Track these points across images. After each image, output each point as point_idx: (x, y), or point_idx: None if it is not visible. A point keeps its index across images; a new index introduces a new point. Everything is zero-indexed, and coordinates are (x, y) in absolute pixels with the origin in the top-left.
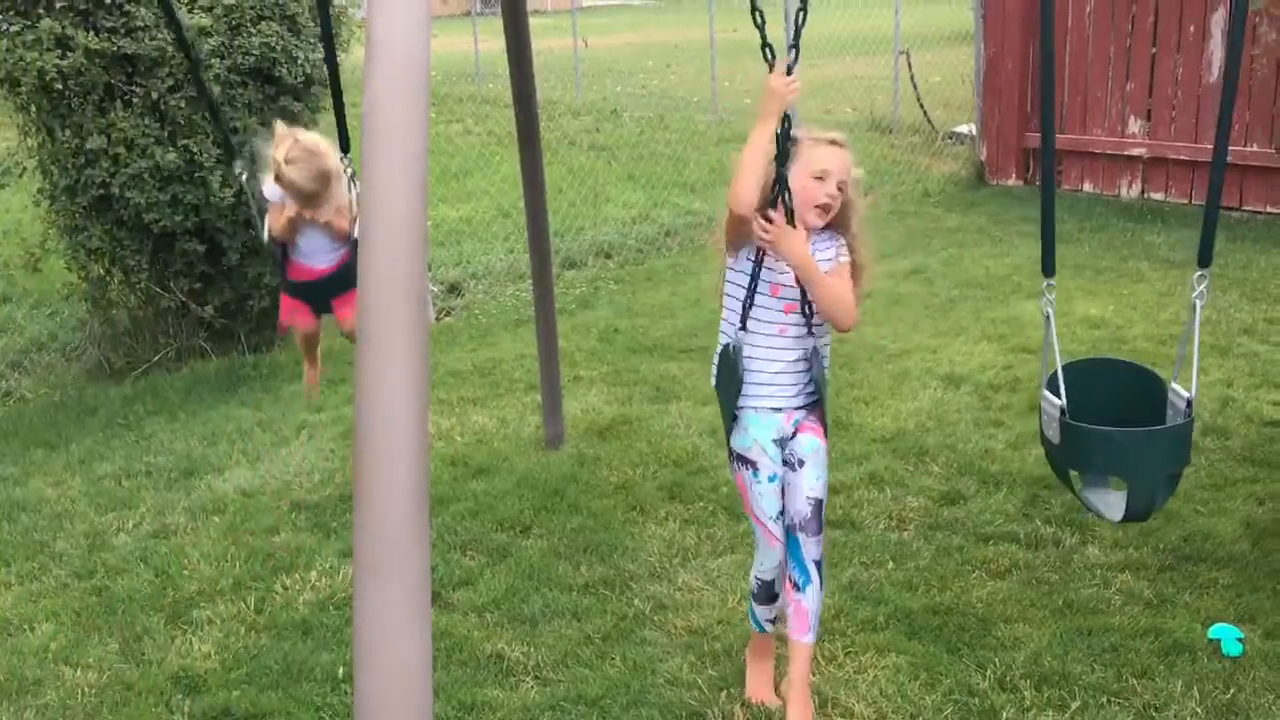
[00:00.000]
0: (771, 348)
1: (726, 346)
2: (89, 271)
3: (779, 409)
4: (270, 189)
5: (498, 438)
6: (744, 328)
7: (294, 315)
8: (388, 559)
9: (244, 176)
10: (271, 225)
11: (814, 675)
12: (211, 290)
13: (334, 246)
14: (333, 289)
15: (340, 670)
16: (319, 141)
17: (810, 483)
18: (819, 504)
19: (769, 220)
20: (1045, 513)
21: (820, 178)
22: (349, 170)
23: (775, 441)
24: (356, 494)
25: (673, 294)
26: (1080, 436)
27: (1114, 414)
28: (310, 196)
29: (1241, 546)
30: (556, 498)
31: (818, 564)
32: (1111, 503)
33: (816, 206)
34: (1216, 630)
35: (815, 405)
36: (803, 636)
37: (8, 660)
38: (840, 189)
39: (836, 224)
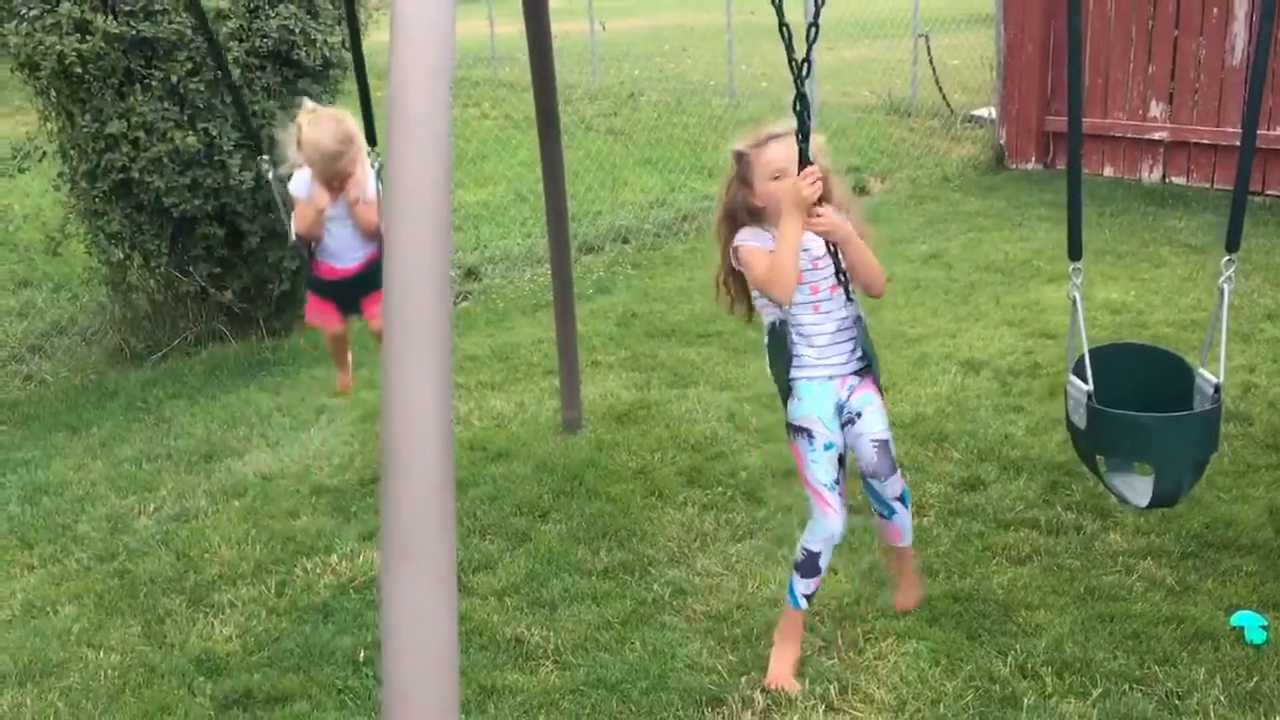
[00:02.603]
0: (814, 321)
1: (773, 324)
2: (109, 256)
3: (832, 377)
4: (296, 183)
5: (516, 422)
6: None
7: (321, 316)
8: (414, 546)
9: (269, 172)
10: (298, 222)
11: (834, 660)
12: (231, 274)
13: (361, 245)
14: (360, 288)
15: (361, 654)
16: (341, 112)
17: (873, 427)
18: (885, 444)
19: (818, 215)
20: (1066, 499)
21: (778, 177)
22: (377, 164)
23: (833, 409)
24: (383, 481)
25: (690, 279)
26: (1107, 421)
27: (1138, 399)
28: (333, 159)
29: (1265, 533)
30: (575, 482)
31: (900, 499)
32: (1138, 488)
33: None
34: (1239, 618)
35: (868, 370)
36: (898, 542)
37: (31, 642)
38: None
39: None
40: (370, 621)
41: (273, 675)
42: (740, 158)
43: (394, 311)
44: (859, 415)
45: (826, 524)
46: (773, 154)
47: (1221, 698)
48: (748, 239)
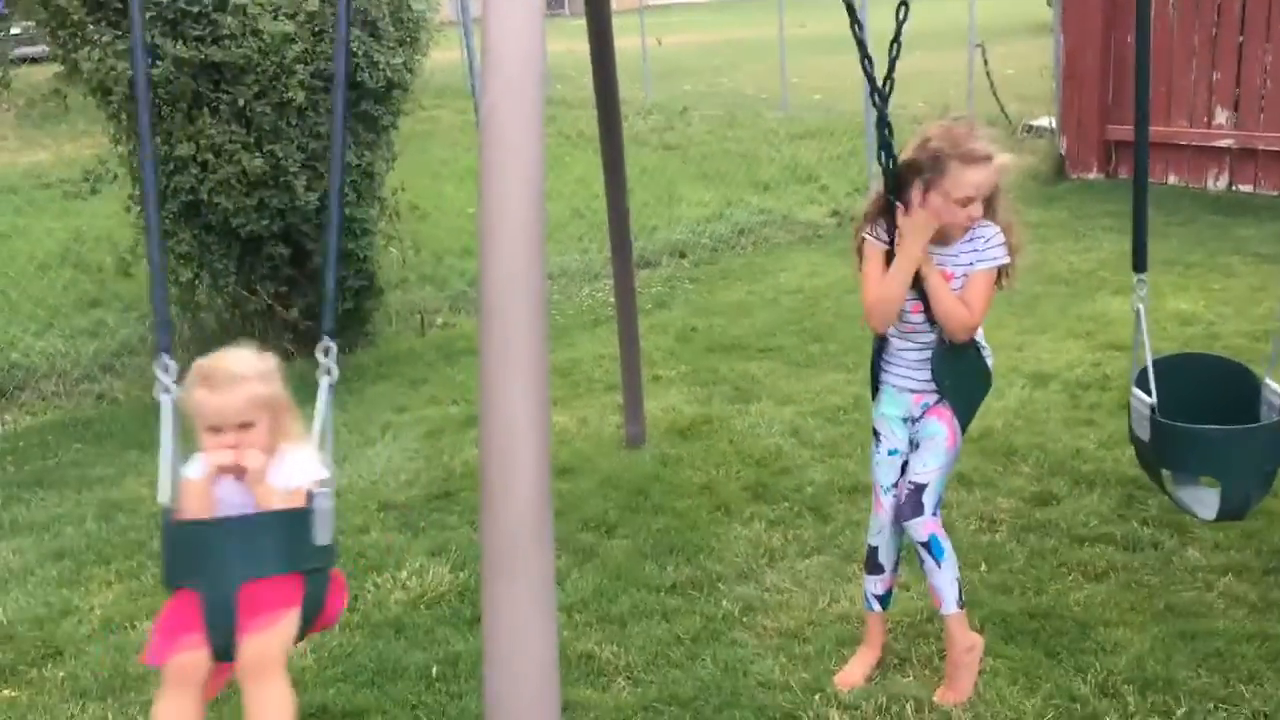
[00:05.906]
0: (906, 336)
1: None
2: (178, 276)
3: (912, 390)
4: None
5: (579, 438)
6: None
7: (168, 635)
8: (514, 562)
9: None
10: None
11: (909, 677)
12: (296, 293)
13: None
14: (239, 562)
15: (434, 669)
16: (246, 355)
17: (917, 467)
18: (918, 489)
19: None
20: (1142, 514)
21: (967, 201)
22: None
23: (903, 420)
24: (483, 498)
25: (749, 293)
26: (1172, 434)
27: (1204, 410)
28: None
29: None
30: (640, 497)
31: (927, 544)
32: (1205, 501)
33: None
34: None
35: (943, 400)
36: (940, 609)
37: (111, 658)
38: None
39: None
40: (442, 638)
41: (347, 691)
42: (937, 161)
43: (491, 329)
44: (916, 446)
45: (877, 517)
46: (974, 178)
47: None
48: (882, 238)
